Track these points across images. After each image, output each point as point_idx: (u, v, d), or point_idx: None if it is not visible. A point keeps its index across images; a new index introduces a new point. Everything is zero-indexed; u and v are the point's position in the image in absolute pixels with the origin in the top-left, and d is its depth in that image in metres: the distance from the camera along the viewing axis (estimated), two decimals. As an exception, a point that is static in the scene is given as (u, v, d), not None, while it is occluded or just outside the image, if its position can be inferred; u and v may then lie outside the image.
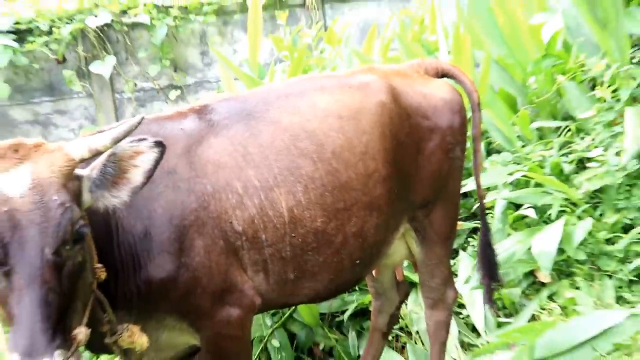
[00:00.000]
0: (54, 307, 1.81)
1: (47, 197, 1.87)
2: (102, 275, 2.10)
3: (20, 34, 7.80)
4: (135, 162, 2.03)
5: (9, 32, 7.73)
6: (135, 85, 8.32)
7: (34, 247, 1.81)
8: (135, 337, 2.21)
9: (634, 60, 4.66)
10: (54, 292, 1.82)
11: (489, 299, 3.54)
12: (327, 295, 3.01)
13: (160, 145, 2.03)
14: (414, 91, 2.99)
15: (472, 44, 5.02)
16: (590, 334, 3.11)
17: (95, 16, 7.91)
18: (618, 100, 4.40)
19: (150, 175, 2.04)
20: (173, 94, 8.37)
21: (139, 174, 2.03)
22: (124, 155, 2.01)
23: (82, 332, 1.91)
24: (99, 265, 2.10)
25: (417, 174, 2.94)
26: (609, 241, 4.07)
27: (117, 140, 1.98)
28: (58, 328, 1.82)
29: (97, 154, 2.00)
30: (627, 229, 4.11)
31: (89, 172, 2.03)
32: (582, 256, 3.97)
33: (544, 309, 3.85)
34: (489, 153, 5.04)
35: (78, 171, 2.01)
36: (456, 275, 4.04)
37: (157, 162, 2.04)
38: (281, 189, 2.54)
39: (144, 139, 2.02)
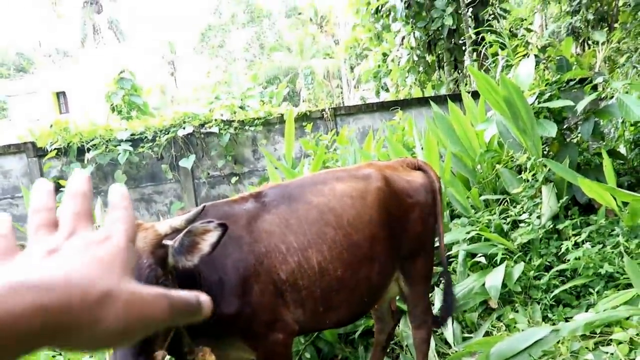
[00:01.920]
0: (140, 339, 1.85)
1: (141, 260, 1.93)
2: None
3: (134, 141, 8.00)
4: (204, 237, 2.03)
5: (127, 140, 7.93)
6: (208, 174, 8.42)
7: None
8: (207, 356, 2.21)
9: (545, 154, 4.71)
10: None
11: (443, 321, 3.47)
12: (346, 322, 3.00)
13: (223, 225, 2.04)
14: (400, 179, 3.03)
15: (437, 143, 5.09)
16: (526, 344, 3.10)
17: (184, 128, 8.09)
18: (536, 180, 4.44)
19: (215, 247, 2.04)
20: (233, 179, 8.45)
21: (207, 245, 2.03)
22: (197, 231, 2.03)
23: (160, 354, 1.94)
24: None
25: (404, 235, 2.96)
26: (536, 277, 4.06)
27: (189, 222, 2.03)
28: (143, 352, 1.85)
29: (176, 230, 2.03)
30: (547, 268, 4.11)
31: (173, 243, 2.06)
32: (518, 288, 3.97)
33: (494, 327, 3.83)
34: (452, 218, 5.04)
35: (166, 242, 2.04)
36: (433, 304, 4.02)
37: (220, 238, 2.04)
38: (313, 249, 2.56)
39: (212, 221, 2.03)
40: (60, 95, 34.52)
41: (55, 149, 7.79)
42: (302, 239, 2.55)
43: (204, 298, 0.62)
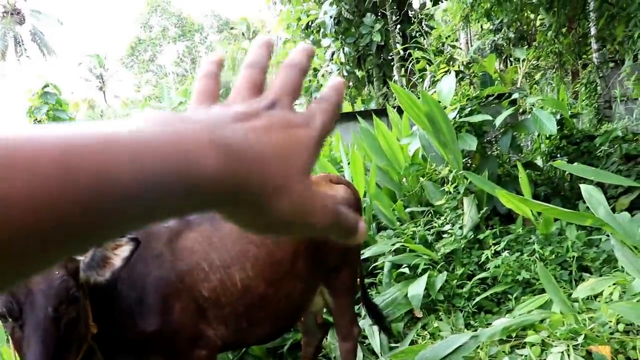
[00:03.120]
0: (52, 348, 1.82)
1: (52, 272, 1.89)
2: (94, 330, 2.07)
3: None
4: (116, 252, 2.01)
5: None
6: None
7: (41, 307, 1.84)
8: None
9: (466, 166, 4.91)
10: (52, 337, 1.83)
11: (386, 331, 3.67)
12: (270, 338, 3.01)
13: (135, 240, 2.02)
14: (324, 194, 3.09)
15: (363, 157, 5.20)
16: (448, 351, 3.20)
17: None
18: (458, 192, 4.61)
19: (127, 261, 2.02)
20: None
21: (119, 260, 2.00)
22: (109, 247, 2.01)
23: None
24: (92, 323, 2.07)
25: (327, 250, 3.00)
26: (459, 286, 4.20)
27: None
28: (55, 359, 1.82)
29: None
30: (470, 277, 4.26)
31: (84, 258, 2.03)
32: (441, 297, 4.09)
33: (419, 336, 3.91)
34: (379, 230, 5.15)
35: (75, 257, 2.01)
36: (360, 315, 4.08)
37: (133, 252, 2.02)
38: (236, 266, 2.55)
39: (124, 236, 2.01)
40: (-22, 110, 32.92)
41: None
42: (225, 256, 2.54)
43: (362, 225, 0.59)
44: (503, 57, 13.12)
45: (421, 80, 8.57)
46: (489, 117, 4.69)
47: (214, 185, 0.44)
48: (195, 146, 0.44)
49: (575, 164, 4.62)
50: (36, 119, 10.92)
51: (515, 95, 5.29)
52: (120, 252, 2.01)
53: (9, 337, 1.92)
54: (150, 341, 2.31)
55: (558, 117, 5.33)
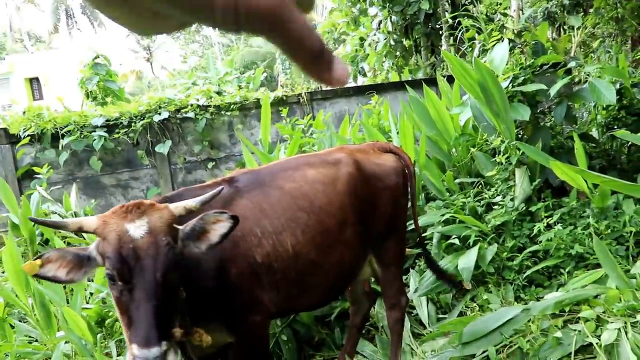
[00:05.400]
0: (162, 313, 1.88)
1: (159, 238, 1.93)
2: (183, 294, 2.12)
3: (110, 127, 7.90)
4: (215, 227, 2.05)
5: (102, 126, 7.83)
6: (185, 159, 8.37)
7: (150, 272, 1.88)
8: (203, 337, 2.23)
9: (519, 137, 4.77)
10: (162, 302, 1.88)
11: (455, 284, 3.74)
12: (319, 305, 3.04)
13: (234, 218, 2.06)
14: (370, 162, 3.05)
15: (412, 127, 5.12)
16: (498, 324, 3.16)
17: (159, 114, 8.01)
18: (510, 163, 4.49)
19: (224, 238, 2.06)
20: (210, 164, 8.41)
21: (216, 235, 2.05)
22: (209, 220, 2.04)
23: (178, 331, 1.97)
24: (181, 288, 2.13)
25: (375, 219, 2.99)
26: (509, 259, 4.12)
27: (204, 203, 2.05)
28: (164, 327, 1.88)
29: (190, 212, 2.04)
30: (520, 250, 4.17)
31: (184, 227, 2.07)
32: (491, 270, 4.02)
33: (468, 308, 3.88)
34: (427, 200, 5.07)
35: (176, 225, 2.05)
36: (408, 286, 4.07)
37: (231, 230, 2.06)
38: (287, 232, 2.57)
39: (225, 212, 2.06)
40: (33, 81, 33.89)
41: (28, 135, 7.65)
42: (276, 223, 2.56)
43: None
44: (556, 26, 12.60)
45: (470, 49, 8.32)
46: (544, 87, 4.52)
47: None
48: None
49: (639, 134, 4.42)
50: (87, 90, 11.15)
51: (571, 64, 5.07)
52: (219, 228, 2.06)
53: (115, 300, 1.96)
54: (206, 306, 2.36)
55: (617, 86, 5.09)
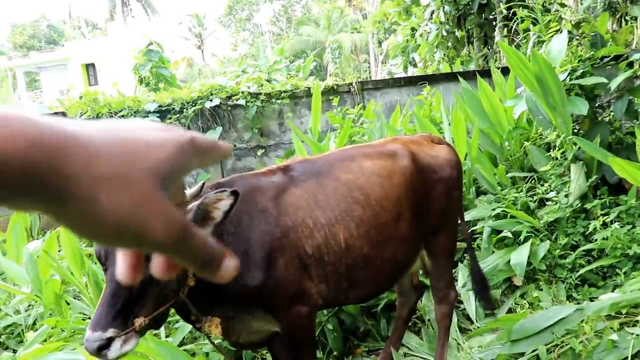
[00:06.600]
0: (121, 299, 1.84)
1: None
2: (191, 282, 2.09)
3: (162, 113, 8.06)
4: (217, 205, 1.99)
5: (154, 111, 8.00)
6: (235, 146, 8.45)
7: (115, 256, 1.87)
8: (213, 327, 2.21)
9: (575, 131, 4.62)
10: (122, 289, 1.85)
11: (486, 302, 3.46)
12: (368, 298, 3.01)
13: (235, 193, 1.99)
14: (425, 154, 3.00)
15: (465, 119, 5.03)
16: (549, 322, 3.08)
17: (210, 100, 8.11)
18: (565, 159, 4.36)
19: (227, 214, 1.99)
20: (259, 152, 8.47)
21: (219, 213, 1.98)
22: (210, 201, 1.99)
23: (139, 321, 1.89)
24: (192, 276, 2.08)
25: (429, 211, 2.94)
26: (562, 257, 4.02)
27: (195, 196, 2.00)
28: (120, 314, 1.84)
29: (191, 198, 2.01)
30: (574, 247, 4.06)
31: (191, 211, 2.01)
32: (543, 267, 3.93)
33: (517, 305, 3.81)
34: (478, 194, 5.00)
35: None
36: (456, 280, 4.02)
37: (232, 206, 1.99)
38: (340, 225, 2.54)
39: (224, 190, 1.99)
40: (89, 67, 34.90)
41: (84, 119, 7.88)
42: (329, 214, 2.53)
43: (229, 262, 0.56)
44: (617, 16, 12.12)
45: (525, 41, 8.10)
46: (604, 80, 4.36)
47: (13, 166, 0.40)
48: None
49: None
50: (141, 76, 11.40)
51: (633, 57, 4.87)
52: (221, 206, 2.00)
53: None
54: (252, 294, 2.35)
55: (684, 81, 4.87)
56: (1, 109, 0.43)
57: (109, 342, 1.80)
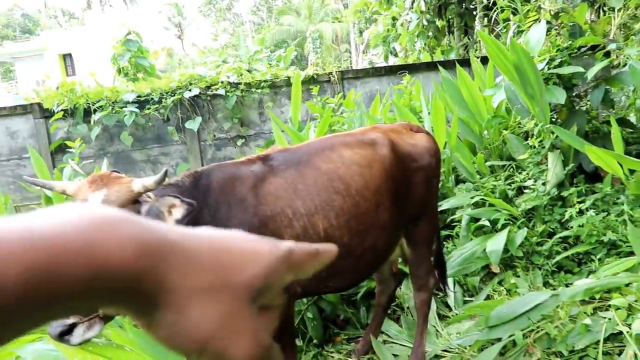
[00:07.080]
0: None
1: None
2: None
3: (141, 103, 7.98)
4: (171, 210, 2.01)
5: (133, 102, 7.92)
6: (214, 136, 8.41)
7: None
8: None
9: (553, 120, 4.68)
10: None
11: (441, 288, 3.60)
12: (348, 287, 3.03)
13: (190, 204, 2.00)
14: (405, 143, 3.00)
15: (444, 108, 5.06)
16: (526, 308, 3.12)
17: (190, 90, 8.05)
18: (543, 147, 4.42)
19: (181, 222, 1.97)
20: (240, 141, 8.43)
21: (171, 221, 1.98)
22: (166, 202, 2.00)
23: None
24: None
25: (408, 200, 2.95)
26: (539, 244, 4.08)
27: (158, 183, 1.99)
28: None
29: (147, 190, 2.01)
30: (550, 235, 4.12)
31: (146, 206, 2.03)
32: (520, 254, 3.99)
33: (495, 291, 3.86)
34: (457, 183, 5.04)
35: (142, 200, 2.02)
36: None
37: (186, 216, 1.99)
38: (320, 215, 2.54)
39: (179, 197, 2.01)
40: (66, 57, 34.36)
41: (61, 110, 7.77)
42: (309, 204, 2.53)
43: None
44: (595, 7, 12.23)
45: (505, 30, 8.16)
46: (581, 69, 4.42)
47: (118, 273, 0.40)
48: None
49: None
50: (119, 66, 11.26)
51: (610, 47, 4.94)
52: (175, 213, 2.00)
53: None
54: None
55: (658, 70, 4.94)
56: (105, 210, 0.42)
57: (71, 328, 1.78)
